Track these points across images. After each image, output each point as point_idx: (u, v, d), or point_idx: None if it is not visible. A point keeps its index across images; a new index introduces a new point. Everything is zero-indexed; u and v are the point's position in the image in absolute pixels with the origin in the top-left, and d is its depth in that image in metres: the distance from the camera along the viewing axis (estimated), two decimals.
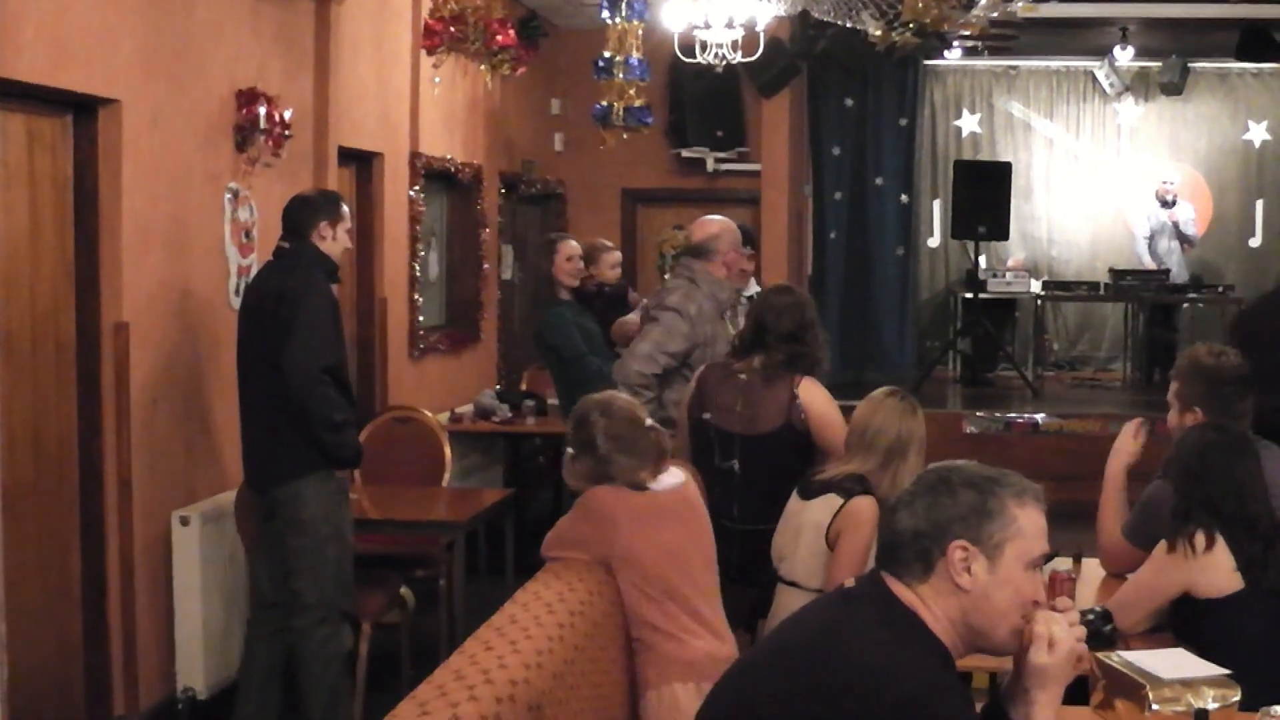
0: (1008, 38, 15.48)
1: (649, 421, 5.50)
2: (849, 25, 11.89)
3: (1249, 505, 5.16)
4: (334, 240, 7.15)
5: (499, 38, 11.68)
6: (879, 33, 11.30)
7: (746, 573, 6.54)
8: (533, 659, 4.12)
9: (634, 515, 5.29)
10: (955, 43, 15.54)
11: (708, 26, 11.06)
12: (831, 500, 5.98)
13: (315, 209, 7.15)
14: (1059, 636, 3.42)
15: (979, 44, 15.47)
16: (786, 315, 6.93)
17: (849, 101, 17.74)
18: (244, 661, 7.40)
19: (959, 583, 3.40)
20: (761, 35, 11.33)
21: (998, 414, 14.44)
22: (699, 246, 8.05)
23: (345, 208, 7.31)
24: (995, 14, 11.75)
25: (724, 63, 11.36)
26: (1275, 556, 5.07)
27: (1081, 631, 3.48)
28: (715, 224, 8.16)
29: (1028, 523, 3.46)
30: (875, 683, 3.23)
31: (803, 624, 3.61)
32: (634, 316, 8.54)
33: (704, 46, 11.20)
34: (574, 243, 10.05)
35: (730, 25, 11.01)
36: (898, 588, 3.45)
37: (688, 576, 5.32)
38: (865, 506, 5.90)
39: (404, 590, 8.31)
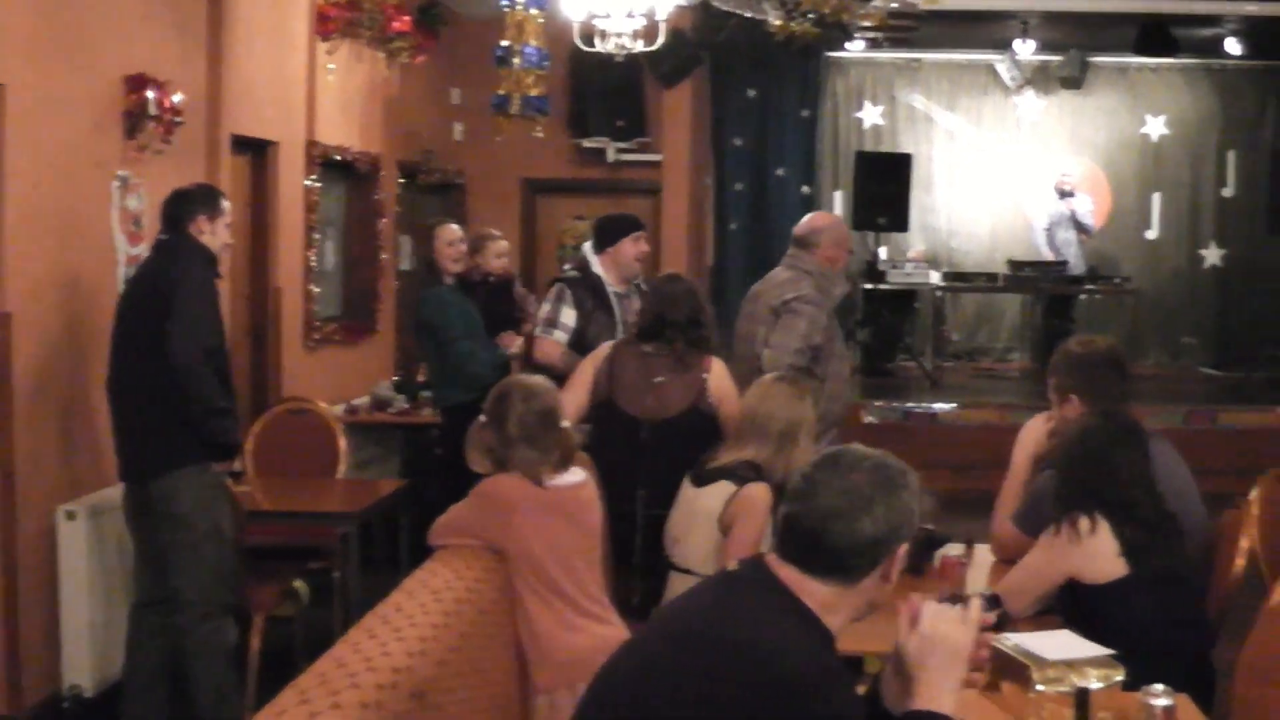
0: (908, 29, 15.52)
1: (565, 422, 5.44)
2: (750, 15, 11.88)
3: (1130, 490, 5.21)
4: (213, 234, 7.06)
5: (395, 24, 11.61)
6: (779, 22, 11.28)
7: (650, 559, 6.54)
8: (417, 646, 4.07)
9: (532, 507, 5.24)
10: (856, 34, 15.57)
11: (608, 16, 11.00)
12: (725, 487, 6.01)
13: (193, 203, 7.05)
14: (925, 623, 3.46)
15: (880, 36, 15.51)
16: (682, 303, 7.04)
17: (751, 92, 17.78)
18: (128, 659, 7.28)
19: (889, 579, 3.49)
20: (662, 25, 11.28)
21: (896, 404, 14.51)
22: (804, 239, 8.08)
23: (226, 202, 7.22)
24: (895, 4, 11.76)
25: (624, 53, 11.31)
26: (1157, 541, 5.12)
27: (957, 621, 3.49)
28: (820, 217, 8.32)
29: None
30: (760, 663, 3.22)
31: (687, 606, 3.62)
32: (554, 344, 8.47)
33: (604, 36, 11.13)
34: (454, 228, 10.01)
35: (631, 15, 10.96)
36: (783, 571, 3.43)
37: (572, 575, 5.27)
38: (759, 493, 5.92)
39: (298, 583, 8.23)
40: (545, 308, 8.25)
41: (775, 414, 6.14)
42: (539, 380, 5.60)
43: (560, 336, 8.11)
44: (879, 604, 3.55)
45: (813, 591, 3.41)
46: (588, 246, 8.44)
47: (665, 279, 7.42)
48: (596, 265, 8.24)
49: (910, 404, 14.51)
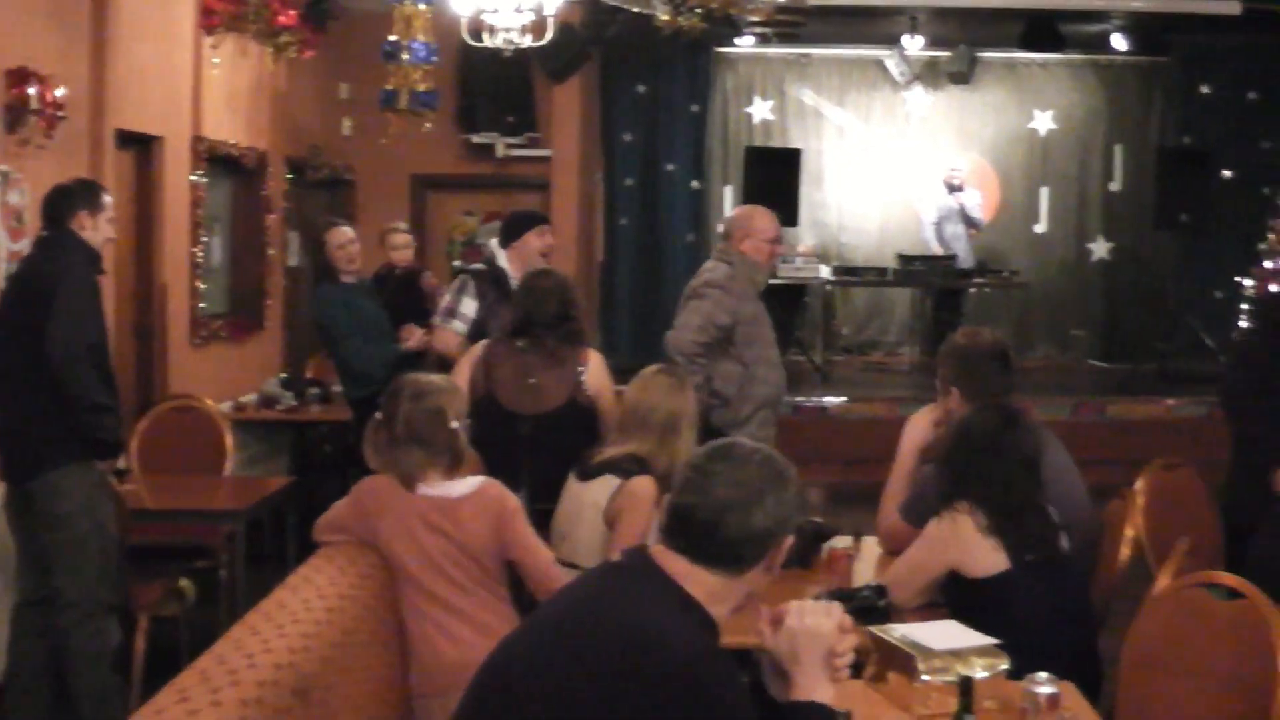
0: (796, 25, 15.56)
1: (454, 423, 5.31)
2: (639, 10, 11.87)
3: (1012, 483, 5.23)
4: (95, 230, 6.99)
5: (281, 19, 11.52)
6: (666, 17, 11.28)
7: None
8: (299, 643, 4.04)
9: (398, 513, 5.18)
10: (746, 29, 15.60)
11: (496, 11, 10.95)
12: (609, 481, 6.02)
13: (73, 199, 6.98)
14: (791, 619, 3.54)
15: (769, 31, 15.54)
16: (551, 299, 7.12)
17: (641, 88, 17.79)
18: (10, 659, 7.20)
19: (773, 570, 3.52)
20: (551, 20, 11.23)
21: (786, 398, 14.48)
22: (724, 230, 8.29)
23: (108, 197, 7.14)
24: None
25: (513, 48, 11.27)
26: (1036, 534, 5.16)
27: (822, 614, 3.55)
28: (747, 209, 8.44)
29: None
30: (646, 652, 3.24)
31: (570, 598, 3.61)
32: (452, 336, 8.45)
33: (493, 31, 11.09)
34: (346, 230, 10.02)
35: (519, 10, 10.92)
36: (669, 562, 3.45)
37: (450, 583, 5.17)
38: (644, 485, 5.92)
39: (184, 582, 8.12)
40: (447, 298, 8.33)
41: (656, 406, 6.16)
42: (434, 379, 5.52)
43: (459, 327, 8.16)
44: (759, 594, 3.58)
45: (700, 582, 3.43)
46: (494, 242, 8.47)
47: (535, 275, 7.42)
48: (502, 259, 8.30)
49: (800, 398, 14.52)
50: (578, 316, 7.22)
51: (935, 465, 5.85)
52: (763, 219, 8.11)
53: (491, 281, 8.24)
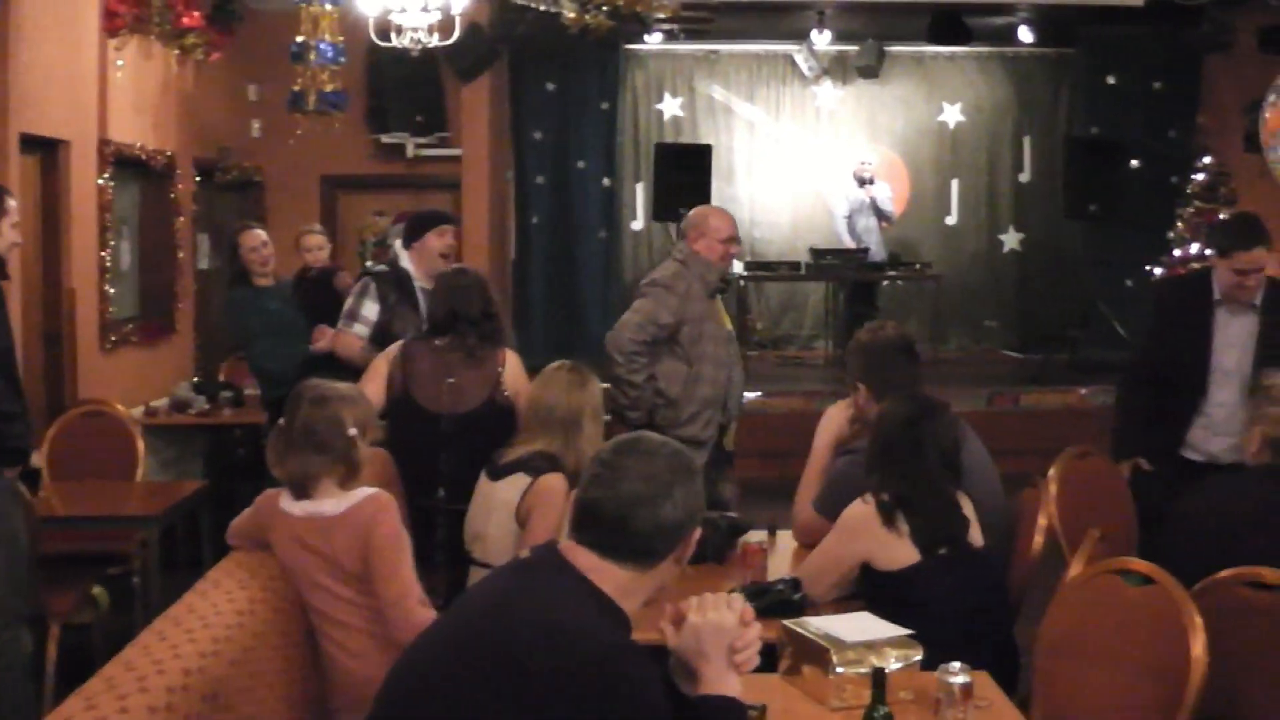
0: (704, 21, 15.57)
1: (352, 431, 5.14)
2: (546, 9, 11.85)
3: (927, 475, 5.26)
4: None
5: (185, 20, 11.44)
6: (573, 15, 11.26)
7: (453, 555, 6.52)
8: (209, 647, 4.00)
9: (280, 533, 5.05)
10: (653, 26, 15.59)
11: (404, 11, 10.91)
12: (520, 479, 6.01)
13: None
14: (692, 615, 3.57)
15: (676, 28, 15.55)
16: (475, 296, 7.07)
17: (550, 86, 17.78)
18: None
19: (681, 563, 3.57)
20: (458, 19, 11.21)
21: None
22: (681, 228, 8.32)
23: (12, 201, 7.03)
24: None
25: (420, 47, 11.24)
26: (942, 525, 5.18)
27: (723, 607, 3.59)
28: (703, 208, 8.35)
29: None
30: (557, 648, 3.24)
31: (479, 597, 3.62)
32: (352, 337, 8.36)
33: (400, 31, 11.04)
34: (257, 232, 9.99)
35: (426, 9, 10.88)
36: (578, 557, 3.46)
37: (335, 598, 4.98)
38: (555, 483, 5.93)
39: (97, 589, 8.06)
40: (349, 301, 8.22)
41: (556, 403, 6.18)
42: (338, 385, 5.35)
43: (360, 330, 8.08)
44: (668, 587, 3.61)
45: (610, 576, 3.44)
46: (398, 243, 8.42)
47: (454, 273, 7.40)
48: (405, 260, 8.24)
49: None
50: (499, 315, 7.22)
51: (852, 458, 5.90)
52: (717, 219, 8.09)
53: (394, 283, 8.17)
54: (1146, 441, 7.57)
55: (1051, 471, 6.88)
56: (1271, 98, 7.72)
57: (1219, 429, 7.31)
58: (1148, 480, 7.33)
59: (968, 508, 5.35)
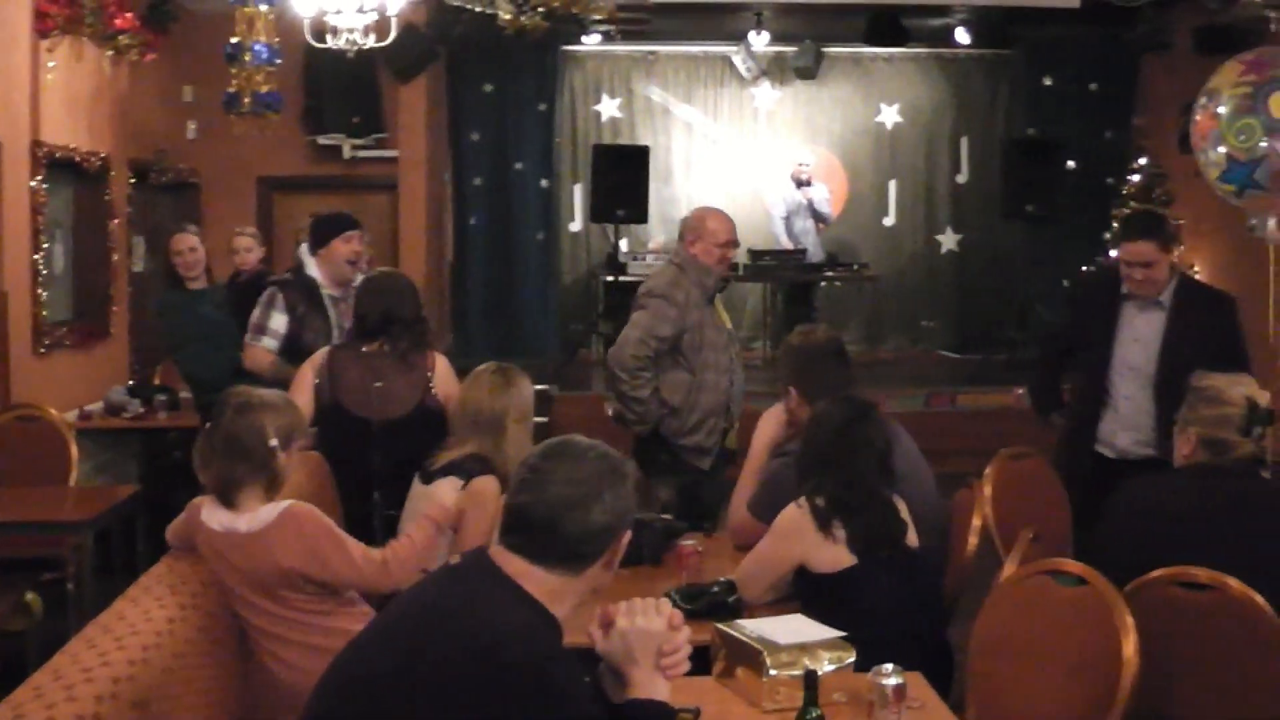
0: (641, 22, 15.56)
1: (273, 441, 5.07)
2: (483, 10, 11.82)
3: (862, 477, 5.29)
4: None
5: (118, 21, 11.36)
6: (508, 16, 11.22)
7: None
8: (139, 655, 3.98)
9: (203, 543, 5.03)
10: (590, 27, 15.58)
11: (339, 12, 10.85)
12: (452, 483, 6.01)
13: None
14: (621, 620, 3.58)
15: (613, 29, 15.53)
16: (409, 299, 7.01)
17: (488, 87, 17.73)
18: None
19: (611, 566, 3.56)
20: (395, 20, 11.15)
21: None
22: (679, 232, 8.17)
23: None
24: None
25: (356, 48, 11.18)
26: (877, 527, 5.20)
27: (652, 612, 3.60)
28: (700, 211, 8.23)
29: None
30: (487, 654, 3.24)
31: (409, 604, 3.60)
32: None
33: (336, 32, 10.99)
34: (187, 235, 9.97)
35: (362, 10, 10.82)
36: (508, 562, 3.45)
37: (255, 610, 4.99)
38: (487, 485, 5.93)
39: (30, 595, 8.00)
40: (256, 313, 8.10)
41: (481, 406, 6.19)
42: (265, 393, 5.31)
43: (269, 344, 7.97)
44: (600, 590, 3.60)
45: (540, 581, 3.44)
46: (304, 248, 8.31)
47: (385, 276, 7.36)
48: (311, 267, 8.12)
49: None
50: (426, 319, 7.19)
51: (787, 459, 5.92)
52: (715, 221, 8.00)
53: (301, 292, 8.06)
54: (1058, 407, 7.99)
55: (987, 472, 6.92)
56: (1202, 100, 7.79)
57: (1125, 423, 7.44)
58: (1069, 479, 7.41)
59: (903, 509, 5.37)
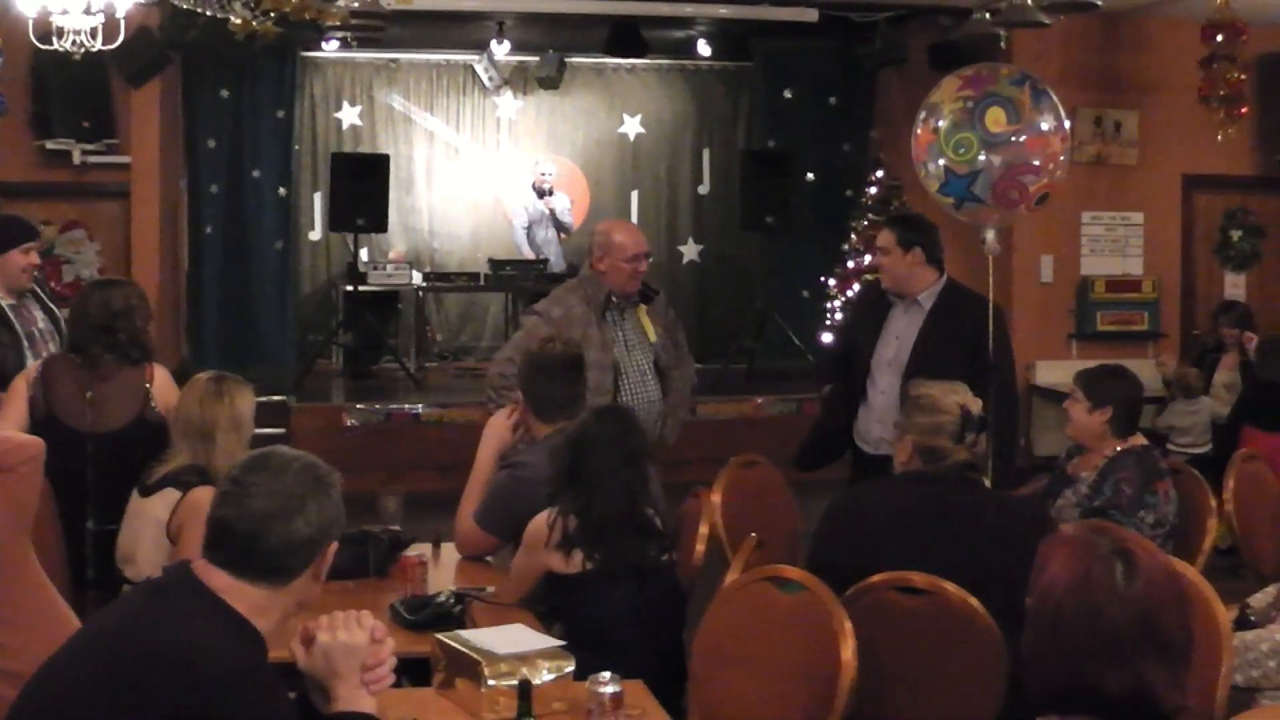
0: (377, 29, 15.40)
1: None
2: (214, 14, 11.61)
3: (602, 484, 5.35)
4: None
5: None
6: (239, 20, 11.03)
7: (104, 577, 6.36)
8: None
9: None
10: (326, 33, 15.41)
11: (65, 13, 10.58)
12: (170, 494, 5.92)
13: None
14: (323, 634, 3.55)
15: (349, 36, 15.37)
16: (129, 306, 6.85)
17: (225, 93, 17.43)
18: None
19: (319, 578, 3.54)
20: (124, 22, 10.92)
21: (379, 405, 14.41)
22: (591, 246, 8.01)
23: None
24: (356, 4, 11.63)
25: (84, 51, 10.92)
26: (615, 536, 5.23)
27: (354, 625, 3.57)
28: (606, 225, 8.33)
29: None
30: (182, 669, 3.18)
31: (110, 617, 3.54)
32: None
33: (62, 33, 10.72)
34: None
35: (89, 11, 10.57)
36: (211, 576, 3.39)
37: None
38: (204, 496, 5.71)
39: None
40: None
41: (192, 415, 6.10)
42: None
43: None
44: (308, 603, 3.57)
45: (244, 595, 3.39)
46: None
47: (103, 285, 7.20)
48: None
49: (393, 405, 14.45)
50: (144, 328, 7.00)
51: (511, 470, 5.95)
52: (622, 234, 7.94)
53: None
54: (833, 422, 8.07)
55: (716, 480, 6.95)
56: (923, 114, 7.95)
57: (880, 416, 7.56)
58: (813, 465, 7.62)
59: (652, 519, 5.44)
